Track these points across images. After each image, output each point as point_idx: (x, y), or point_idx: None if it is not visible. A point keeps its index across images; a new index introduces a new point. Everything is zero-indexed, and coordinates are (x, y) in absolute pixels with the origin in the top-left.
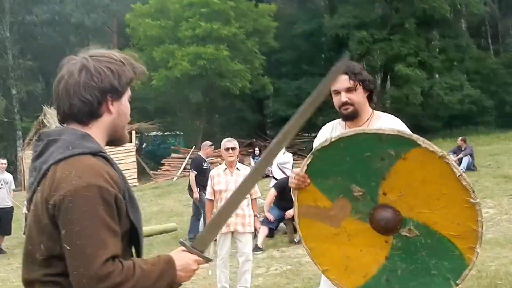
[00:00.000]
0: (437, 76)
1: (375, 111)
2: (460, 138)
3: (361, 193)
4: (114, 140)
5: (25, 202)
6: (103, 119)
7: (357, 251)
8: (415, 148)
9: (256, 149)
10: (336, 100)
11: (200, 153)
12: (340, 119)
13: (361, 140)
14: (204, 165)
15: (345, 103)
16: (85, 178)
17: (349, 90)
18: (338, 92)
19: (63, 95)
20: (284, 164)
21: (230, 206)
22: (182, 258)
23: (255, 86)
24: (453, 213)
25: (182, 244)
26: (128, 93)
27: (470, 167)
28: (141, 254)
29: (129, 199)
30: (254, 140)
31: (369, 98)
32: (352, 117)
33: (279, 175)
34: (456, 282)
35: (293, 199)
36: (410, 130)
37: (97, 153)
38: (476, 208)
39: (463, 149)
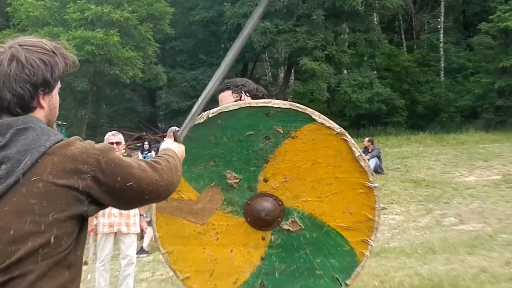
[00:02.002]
0: (345, 72)
1: None
2: (367, 138)
3: (237, 181)
4: None
5: None
6: (36, 113)
7: (227, 252)
8: (309, 124)
9: (146, 143)
10: None
11: None
12: None
13: (244, 116)
14: None
15: None
16: (88, 143)
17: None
18: None
19: None
20: None
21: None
22: (179, 147)
23: (147, 75)
24: (345, 201)
25: (175, 133)
26: (58, 86)
27: (377, 170)
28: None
29: None
30: (144, 133)
31: None
32: None
33: None
34: (346, 282)
35: None
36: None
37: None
38: (374, 194)
39: (370, 150)
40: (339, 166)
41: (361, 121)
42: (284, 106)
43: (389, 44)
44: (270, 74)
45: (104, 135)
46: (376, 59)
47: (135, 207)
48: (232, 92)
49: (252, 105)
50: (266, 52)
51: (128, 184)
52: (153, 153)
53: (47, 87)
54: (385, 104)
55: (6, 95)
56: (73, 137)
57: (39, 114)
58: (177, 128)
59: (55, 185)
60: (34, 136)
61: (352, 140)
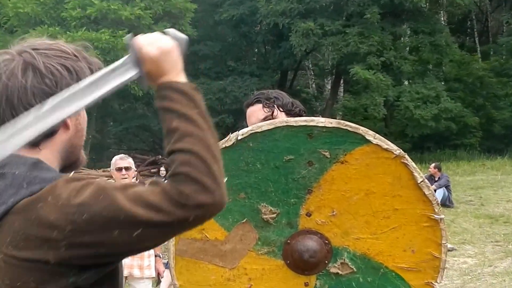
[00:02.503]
0: (406, 83)
1: None
2: (433, 164)
3: (273, 215)
4: (70, 165)
5: None
6: (58, 137)
7: None
8: (362, 146)
9: (162, 168)
10: None
11: None
12: None
13: (282, 137)
14: None
15: None
16: (66, 192)
17: (266, 119)
18: None
19: (1, 103)
20: None
21: None
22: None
23: None
24: (406, 237)
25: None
26: None
27: (446, 203)
28: None
29: None
30: (160, 157)
31: None
32: None
33: None
34: None
35: None
36: None
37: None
38: (440, 227)
39: (436, 179)
40: (399, 195)
41: (425, 143)
42: (330, 125)
43: (460, 49)
44: (314, 85)
45: (111, 159)
46: (443, 67)
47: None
48: (263, 106)
49: (291, 124)
50: (309, 58)
51: (119, 235)
52: None
53: None
54: (455, 122)
55: (23, 113)
56: (59, 179)
57: (62, 137)
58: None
59: (16, 259)
60: (1, 188)
61: (413, 164)
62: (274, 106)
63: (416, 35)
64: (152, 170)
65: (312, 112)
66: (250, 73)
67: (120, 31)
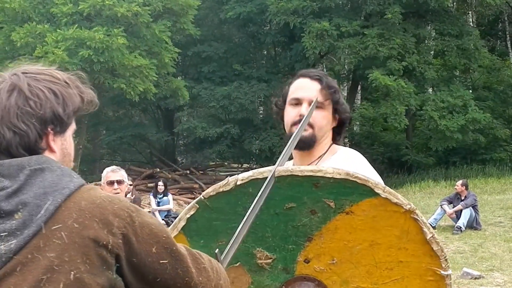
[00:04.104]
0: (430, 90)
1: (333, 145)
2: (460, 182)
3: (269, 261)
4: None
5: None
6: None
7: None
8: (370, 198)
9: (160, 183)
10: (292, 113)
11: None
12: None
13: (285, 185)
14: None
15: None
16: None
17: (317, 105)
18: (298, 102)
19: None
20: None
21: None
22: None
23: (163, 90)
24: None
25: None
26: (73, 126)
27: (473, 225)
28: None
29: None
30: (158, 170)
31: (335, 134)
32: (307, 144)
33: None
34: None
35: None
36: (386, 166)
37: None
38: (446, 283)
39: (463, 197)
40: (405, 248)
41: (451, 157)
42: (338, 177)
43: (490, 54)
44: None
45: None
46: (472, 73)
47: None
48: (322, 89)
49: (296, 173)
50: (323, 62)
51: (161, 262)
52: (170, 196)
53: (59, 124)
54: (484, 134)
55: (6, 133)
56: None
57: None
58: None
59: (81, 236)
60: (53, 178)
61: (424, 219)
62: (331, 98)
63: (441, 37)
64: (149, 184)
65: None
66: (258, 78)
67: (115, 29)
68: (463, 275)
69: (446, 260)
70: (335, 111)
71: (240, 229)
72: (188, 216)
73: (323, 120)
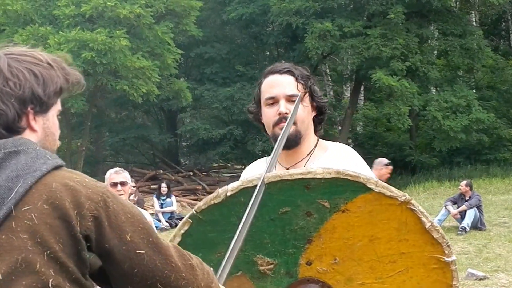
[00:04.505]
0: (433, 90)
1: (321, 140)
2: (464, 182)
3: (271, 266)
4: None
5: None
6: (26, 137)
7: None
8: (364, 193)
9: (163, 185)
10: (270, 113)
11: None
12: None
13: (276, 190)
14: None
15: (285, 118)
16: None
17: (293, 98)
18: (274, 102)
19: None
20: None
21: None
22: None
23: (166, 92)
24: (414, 279)
25: None
26: (57, 107)
27: (477, 225)
28: None
29: None
30: (161, 171)
31: (316, 123)
32: (293, 142)
33: None
34: None
35: None
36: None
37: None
38: (451, 269)
39: (467, 198)
40: (405, 240)
41: (455, 157)
42: (329, 176)
43: (494, 53)
44: (331, 92)
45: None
46: (475, 73)
47: None
48: (297, 81)
49: (285, 178)
50: (326, 62)
51: (138, 252)
52: (173, 198)
53: (39, 104)
54: (488, 134)
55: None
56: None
57: (30, 138)
58: None
59: (51, 217)
60: (27, 160)
61: (421, 208)
62: (309, 88)
63: (444, 37)
64: (152, 186)
65: (330, 123)
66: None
67: (118, 31)
68: (468, 276)
69: (448, 246)
70: (312, 99)
71: (234, 240)
72: (182, 231)
73: (304, 112)
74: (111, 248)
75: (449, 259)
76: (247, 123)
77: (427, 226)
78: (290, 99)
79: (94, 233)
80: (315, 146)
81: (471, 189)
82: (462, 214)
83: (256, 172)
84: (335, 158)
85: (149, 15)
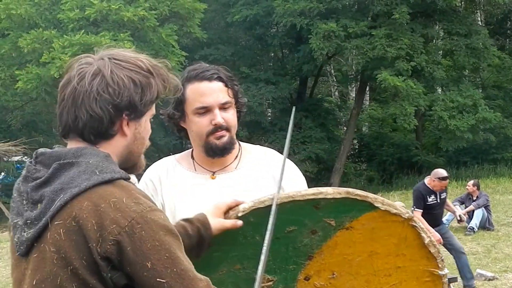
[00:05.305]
0: (439, 90)
1: (241, 142)
2: (471, 182)
3: (270, 283)
4: (126, 169)
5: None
6: (115, 141)
7: None
8: (370, 211)
9: None
10: (203, 123)
11: (426, 182)
12: (178, 156)
13: (287, 210)
14: (430, 199)
15: (220, 127)
16: (143, 202)
17: (225, 106)
18: (207, 111)
19: (68, 103)
20: None
21: None
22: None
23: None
24: None
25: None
26: (151, 112)
27: (485, 225)
28: None
29: None
30: None
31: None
32: (227, 150)
33: None
34: None
35: None
36: (396, 167)
37: (128, 180)
38: (443, 281)
39: (475, 198)
40: (403, 254)
41: (461, 157)
42: (339, 196)
43: (499, 52)
44: (336, 93)
45: None
46: (481, 72)
47: None
48: (227, 87)
49: (297, 199)
50: (331, 63)
51: (158, 280)
52: None
53: (134, 112)
54: (495, 134)
55: (83, 114)
56: (119, 181)
57: (119, 142)
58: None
59: (77, 234)
60: (74, 174)
61: (422, 225)
62: (237, 92)
63: (450, 37)
64: None
65: (335, 124)
66: (266, 80)
67: (122, 34)
68: (477, 277)
69: (442, 260)
70: (236, 102)
71: (260, 268)
72: None
73: (234, 118)
74: (132, 272)
75: (442, 272)
76: (253, 124)
77: (426, 242)
78: (223, 107)
79: (116, 256)
80: (239, 148)
81: (478, 189)
82: (470, 214)
83: (157, 172)
84: (263, 161)
85: (153, 17)
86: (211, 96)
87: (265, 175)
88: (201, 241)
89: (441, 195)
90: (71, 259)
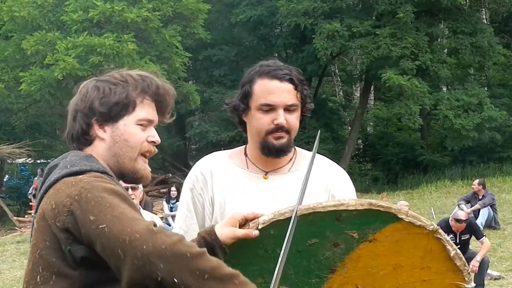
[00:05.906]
0: (444, 89)
1: (296, 147)
2: (477, 181)
3: None
4: (124, 174)
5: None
6: (96, 146)
7: None
8: (394, 223)
9: (173, 188)
10: (265, 120)
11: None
12: (229, 152)
13: (308, 222)
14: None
15: (281, 128)
16: (95, 180)
17: (291, 108)
18: (271, 109)
19: (80, 109)
20: None
21: None
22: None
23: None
24: None
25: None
26: (134, 117)
27: (491, 224)
28: None
29: None
30: (170, 175)
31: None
32: (284, 152)
33: None
34: None
35: None
36: (401, 166)
37: (103, 172)
38: None
39: (480, 197)
40: (428, 267)
41: (467, 156)
42: (361, 208)
43: (505, 51)
44: (341, 93)
45: None
46: (486, 71)
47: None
48: (296, 90)
49: (318, 210)
50: (335, 63)
51: (101, 227)
52: None
53: (103, 116)
54: (500, 132)
55: (69, 123)
56: (88, 173)
57: (99, 147)
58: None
59: (42, 219)
60: (55, 172)
61: (447, 237)
62: (306, 97)
63: (455, 35)
64: (162, 190)
65: (340, 123)
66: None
67: (125, 35)
68: None
69: (469, 273)
70: (302, 107)
71: (274, 279)
72: None
73: (297, 121)
74: (86, 234)
75: (469, 286)
76: None
77: (451, 254)
78: (288, 108)
79: (73, 225)
80: (294, 153)
81: (484, 187)
82: (476, 213)
83: (209, 166)
84: (318, 168)
85: (156, 18)
86: (279, 96)
87: (319, 183)
88: (210, 248)
89: (462, 236)
90: (38, 244)
